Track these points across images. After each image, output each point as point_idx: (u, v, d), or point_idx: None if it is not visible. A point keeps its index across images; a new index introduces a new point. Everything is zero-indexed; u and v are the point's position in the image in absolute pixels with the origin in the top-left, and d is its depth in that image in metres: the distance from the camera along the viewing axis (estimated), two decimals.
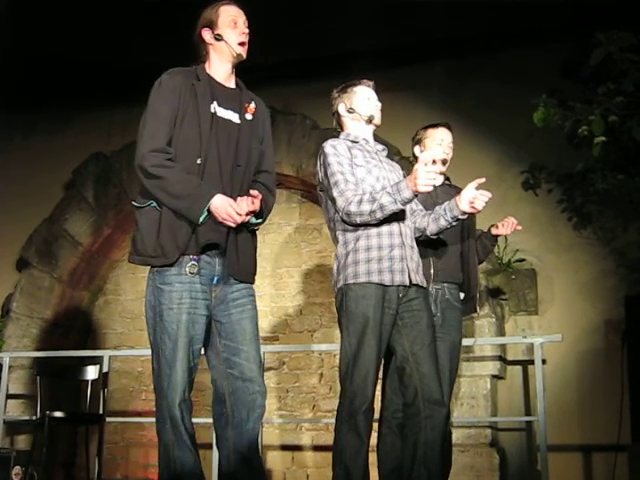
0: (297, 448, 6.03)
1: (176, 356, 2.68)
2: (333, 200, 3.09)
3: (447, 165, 3.77)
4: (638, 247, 5.15)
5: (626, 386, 4.63)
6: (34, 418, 5.17)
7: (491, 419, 5.15)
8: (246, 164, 2.88)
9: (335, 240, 3.18)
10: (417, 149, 3.83)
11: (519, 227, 3.83)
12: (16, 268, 6.62)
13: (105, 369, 5.46)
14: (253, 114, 2.94)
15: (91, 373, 5.32)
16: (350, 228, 3.08)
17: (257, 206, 2.75)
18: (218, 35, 2.90)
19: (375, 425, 3.19)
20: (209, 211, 2.68)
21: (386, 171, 3.21)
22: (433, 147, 3.75)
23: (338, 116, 3.35)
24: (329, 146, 3.16)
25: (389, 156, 3.49)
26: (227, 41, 2.90)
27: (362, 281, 3.01)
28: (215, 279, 2.78)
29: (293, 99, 6.16)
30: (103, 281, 6.88)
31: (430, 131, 3.80)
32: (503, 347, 5.27)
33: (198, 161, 2.76)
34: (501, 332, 5.29)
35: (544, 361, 4.85)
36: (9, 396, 5.94)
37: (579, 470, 5.00)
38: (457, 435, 5.12)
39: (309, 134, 6.04)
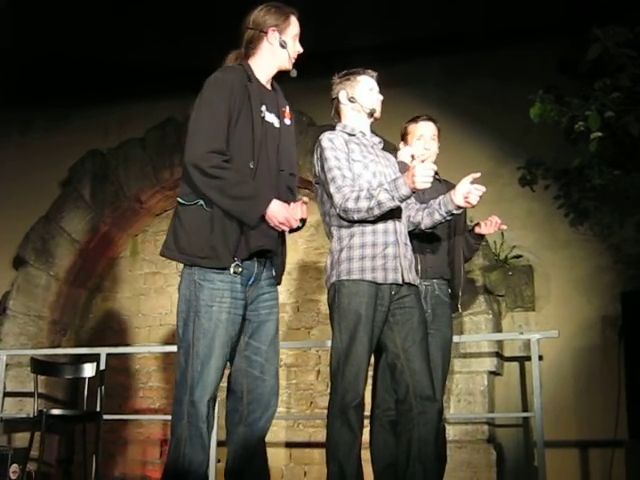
0: (295, 445, 6.04)
1: (212, 354, 2.67)
2: (329, 195, 3.08)
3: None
4: (635, 243, 5.14)
5: (623, 382, 4.64)
6: (31, 416, 5.17)
7: (488, 415, 5.15)
8: (288, 169, 2.90)
9: (329, 234, 3.17)
10: (401, 144, 3.85)
11: (503, 227, 3.77)
12: (13, 266, 6.60)
13: (102, 367, 5.46)
14: (290, 119, 2.97)
15: (88, 371, 5.32)
16: (345, 224, 3.08)
17: (305, 212, 2.79)
18: (284, 42, 2.92)
19: (367, 422, 3.19)
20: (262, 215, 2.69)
21: (382, 166, 3.20)
22: (413, 143, 3.76)
23: (337, 103, 3.31)
24: (326, 139, 3.13)
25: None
26: (289, 52, 2.93)
27: (355, 278, 3.01)
28: (251, 280, 2.79)
29: (289, 96, 6.12)
30: (100, 279, 6.87)
31: (411, 127, 3.81)
32: (500, 343, 5.28)
33: (251, 165, 2.75)
34: (498, 328, 5.30)
35: (541, 357, 4.86)
36: (6, 394, 5.94)
37: (576, 466, 5.00)
38: (454, 431, 5.13)
39: (305, 131, 6.03)
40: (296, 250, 6.34)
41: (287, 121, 2.95)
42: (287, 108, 2.98)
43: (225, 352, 2.71)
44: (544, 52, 5.39)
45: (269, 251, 2.79)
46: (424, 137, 3.76)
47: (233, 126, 2.74)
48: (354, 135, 3.21)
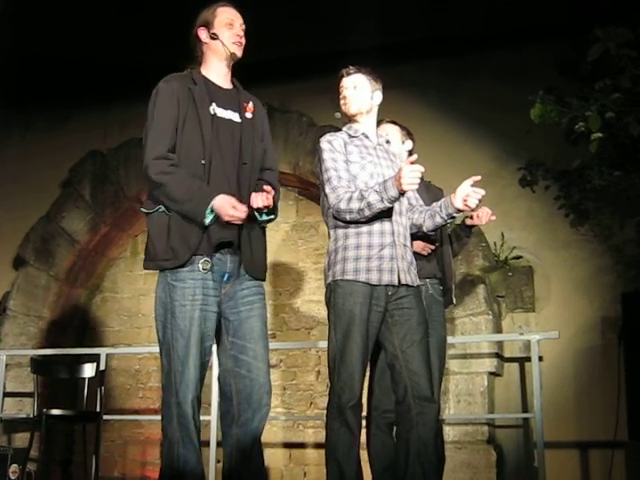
0: (295, 445, 6.04)
1: (189, 353, 2.69)
2: (326, 196, 3.10)
3: None
4: (635, 244, 5.14)
5: (623, 383, 4.64)
6: (31, 416, 5.16)
7: (488, 416, 5.14)
8: (251, 162, 2.91)
9: (329, 235, 3.19)
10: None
11: (493, 217, 3.73)
12: (13, 266, 6.61)
13: (102, 367, 5.45)
14: (253, 112, 2.98)
15: (88, 371, 5.31)
16: (341, 225, 3.09)
17: (270, 201, 2.80)
18: (214, 34, 2.95)
19: (364, 423, 3.19)
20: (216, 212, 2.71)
21: (382, 167, 3.20)
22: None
23: None
24: (325, 142, 3.17)
25: None
26: (222, 40, 2.94)
27: (349, 278, 3.01)
28: (226, 276, 2.80)
29: (290, 96, 6.15)
30: (100, 279, 6.87)
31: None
32: (500, 344, 5.27)
33: (202, 162, 2.79)
34: (498, 329, 5.30)
35: (541, 358, 4.85)
36: (6, 394, 5.94)
37: (576, 467, 5.00)
38: (454, 432, 5.13)
39: (306, 132, 6.04)
40: (296, 251, 6.35)
41: (248, 115, 2.97)
42: (250, 103, 3.00)
43: (200, 349, 2.72)
44: (545, 53, 5.39)
45: (230, 243, 2.79)
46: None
47: (181, 129, 2.81)
48: (356, 137, 3.22)
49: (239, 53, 2.99)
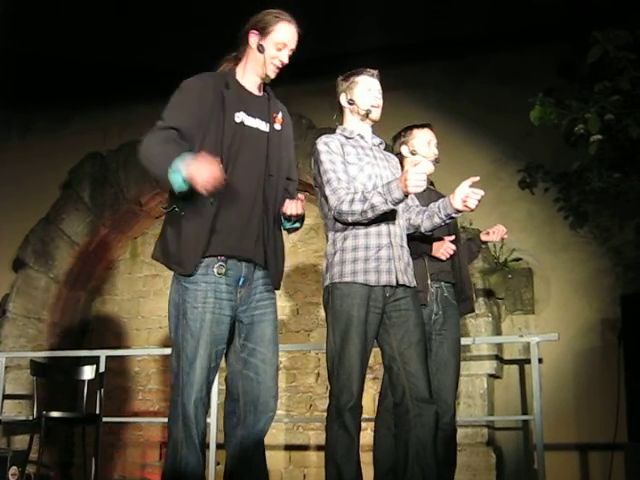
0: (294, 448, 6.03)
1: (197, 354, 2.69)
2: (326, 198, 3.09)
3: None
4: (634, 246, 5.15)
5: (622, 385, 4.63)
6: (31, 418, 5.16)
7: (488, 418, 5.15)
8: (277, 173, 2.85)
9: (326, 237, 3.19)
10: (405, 149, 3.86)
11: (506, 235, 3.98)
12: (12, 268, 6.61)
13: (102, 369, 5.45)
14: (281, 124, 2.92)
15: (88, 373, 5.32)
16: (339, 227, 3.08)
17: (303, 210, 2.80)
18: (261, 46, 2.82)
19: (366, 424, 3.19)
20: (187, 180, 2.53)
21: (380, 168, 3.19)
22: (421, 147, 3.81)
23: (340, 105, 3.30)
24: (322, 143, 3.15)
25: None
26: (265, 57, 2.83)
27: (347, 280, 3.01)
28: (241, 280, 2.78)
29: (289, 99, 6.08)
30: (100, 281, 6.87)
31: (416, 131, 3.84)
32: (500, 346, 5.28)
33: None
34: (498, 331, 5.30)
35: (540, 360, 4.85)
36: (6, 396, 5.94)
37: (576, 469, 5.00)
38: None
39: (305, 134, 6.03)
40: (295, 253, 6.34)
41: (277, 126, 2.89)
42: (279, 114, 2.93)
43: (210, 352, 2.70)
44: (544, 55, 5.40)
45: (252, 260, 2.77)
46: (432, 142, 3.85)
47: (205, 129, 2.71)
48: (352, 138, 3.21)
49: (273, 76, 2.88)
